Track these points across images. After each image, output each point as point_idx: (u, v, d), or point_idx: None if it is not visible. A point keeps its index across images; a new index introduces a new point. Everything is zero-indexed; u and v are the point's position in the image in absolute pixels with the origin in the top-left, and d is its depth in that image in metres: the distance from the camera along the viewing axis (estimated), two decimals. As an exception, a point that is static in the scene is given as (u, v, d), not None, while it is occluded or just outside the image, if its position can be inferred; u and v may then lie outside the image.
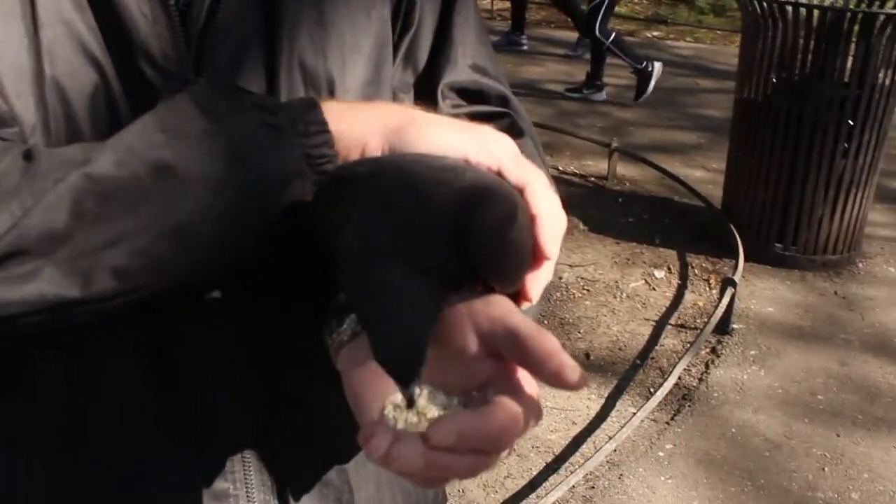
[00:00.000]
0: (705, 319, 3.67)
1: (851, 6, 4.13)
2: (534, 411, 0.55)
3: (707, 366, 3.49)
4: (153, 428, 0.71)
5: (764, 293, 4.03)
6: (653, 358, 3.53)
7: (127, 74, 0.65)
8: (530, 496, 2.75)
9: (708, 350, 3.59)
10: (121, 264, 0.58)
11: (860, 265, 4.39)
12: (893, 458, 3.00)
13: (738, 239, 4.15)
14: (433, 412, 0.55)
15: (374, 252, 0.54)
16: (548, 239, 0.62)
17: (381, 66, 0.76)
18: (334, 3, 0.73)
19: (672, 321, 3.80)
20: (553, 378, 0.54)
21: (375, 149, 0.63)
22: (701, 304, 3.95)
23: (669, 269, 4.27)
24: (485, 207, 0.55)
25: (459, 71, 0.81)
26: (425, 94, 0.79)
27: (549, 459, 2.95)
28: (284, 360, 0.74)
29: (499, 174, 0.62)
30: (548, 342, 0.55)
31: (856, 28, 3.93)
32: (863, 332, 3.78)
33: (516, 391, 0.56)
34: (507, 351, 0.57)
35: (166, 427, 0.72)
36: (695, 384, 3.38)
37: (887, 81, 4.00)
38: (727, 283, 3.61)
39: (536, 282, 0.63)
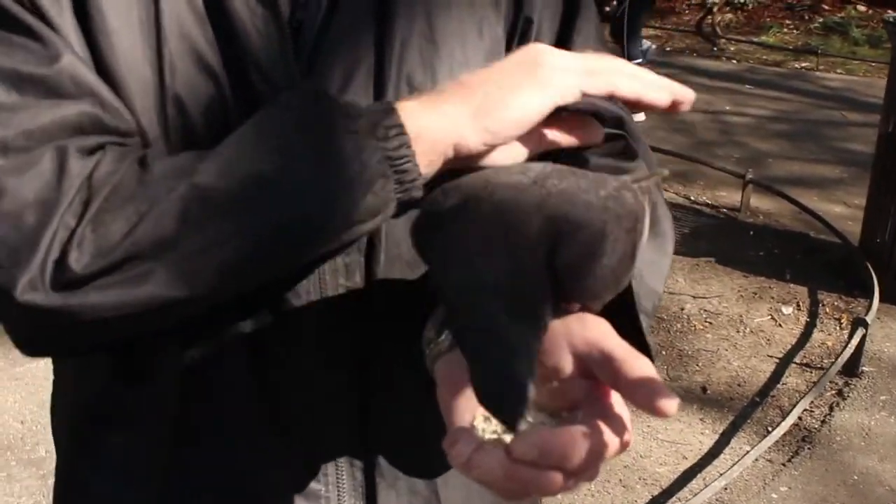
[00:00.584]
0: (833, 360, 3.50)
1: None
2: (622, 436, 0.55)
3: (831, 408, 3.33)
4: (255, 426, 0.75)
5: None
6: (773, 396, 3.40)
7: (240, 87, 0.68)
8: (633, 528, 2.68)
9: (834, 392, 3.42)
10: (222, 265, 0.61)
11: None
12: None
13: (875, 278, 3.96)
14: (521, 427, 0.55)
15: (477, 291, 0.55)
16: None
17: None
18: (445, 20, 0.74)
19: (797, 360, 3.64)
20: (645, 403, 0.55)
21: (475, 143, 0.64)
22: (830, 343, 3.77)
23: (798, 305, 4.10)
24: (571, 239, 0.57)
25: None
26: None
27: (656, 492, 2.87)
28: (381, 373, 0.77)
29: (611, 97, 0.66)
30: (642, 367, 0.56)
31: None
32: None
33: (607, 414, 0.57)
34: (601, 373, 0.58)
35: (267, 427, 0.75)
36: (817, 426, 3.22)
37: None
38: (858, 322, 3.47)
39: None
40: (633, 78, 0.65)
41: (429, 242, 0.62)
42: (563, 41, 0.80)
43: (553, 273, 0.57)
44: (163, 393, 0.74)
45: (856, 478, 2.95)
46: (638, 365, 0.57)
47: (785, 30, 10.23)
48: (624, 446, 0.55)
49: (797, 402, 3.16)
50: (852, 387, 3.45)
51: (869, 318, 3.53)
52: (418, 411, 0.72)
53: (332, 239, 0.64)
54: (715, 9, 9.94)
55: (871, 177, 4.33)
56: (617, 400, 0.58)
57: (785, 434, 3.03)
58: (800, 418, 3.17)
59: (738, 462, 2.86)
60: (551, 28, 0.81)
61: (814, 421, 3.25)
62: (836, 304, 4.07)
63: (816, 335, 3.83)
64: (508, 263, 0.55)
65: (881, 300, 3.86)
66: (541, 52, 0.65)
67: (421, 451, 0.78)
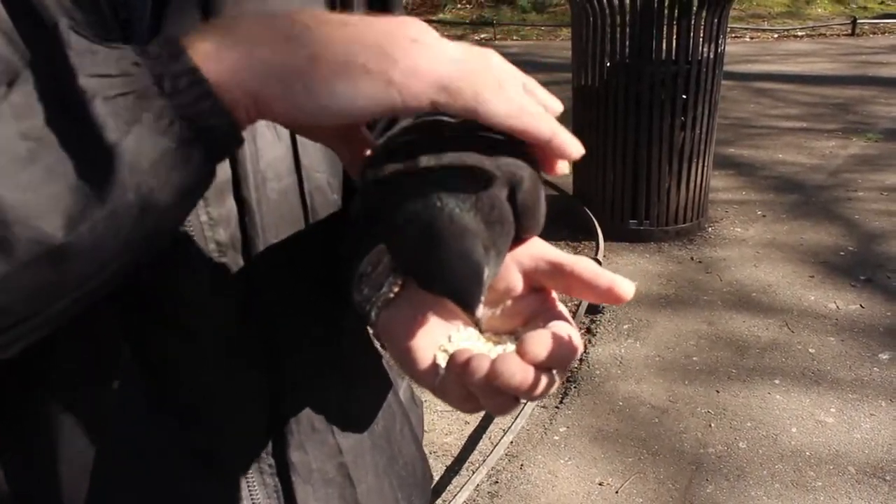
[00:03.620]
0: (576, 302, 3.74)
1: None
2: (577, 336, 0.59)
3: (585, 346, 3.54)
4: (152, 441, 0.68)
5: (626, 268, 4.15)
6: (533, 346, 3.57)
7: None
8: (436, 502, 2.74)
9: (583, 331, 3.66)
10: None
11: (709, 229, 4.60)
12: (770, 404, 3.14)
13: (595, 221, 4.28)
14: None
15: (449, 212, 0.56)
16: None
17: None
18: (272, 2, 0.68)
19: None
20: (607, 293, 0.59)
21: (280, 115, 0.52)
22: None
23: (535, 258, 4.33)
24: (525, 186, 0.60)
25: None
26: None
27: (449, 462, 2.94)
28: (291, 367, 0.74)
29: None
30: (588, 265, 0.60)
31: (676, 9, 4.12)
32: (722, 291, 3.96)
33: (562, 317, 0.61)
34: (551, 281, 0.62)
35: (167, 440, 0.69)
36: (577, 366, 3.43)
37: (711, 55, 4.19)
38: (587, 259, 3.66)
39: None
40: (514, 95, 0.56)
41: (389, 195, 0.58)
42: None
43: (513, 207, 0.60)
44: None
45: (621, 403, 3.19)
46: (584, 265, 0.60)
47: (458, 5, 10.72)
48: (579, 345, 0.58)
49: (557, 347, 3.33)
50: (598, 322, 3.73)
51: (599, 257, 3.83)
52: (326, 393, 0.71)
53: (166, 223, 0.53)
54: (391, -7, 10.18)
55: (573, 128, 4.44)
56: (561, 306, 0.62)
57: (553, 379, 3.18)
58: (562, 361, 3.35)
59: (518, 415, 2.99)
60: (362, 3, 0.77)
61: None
62: (565, 250, 4.29)
63: (556, 282, 4.06)
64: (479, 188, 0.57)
65: (604, 240, 4.20)
66: (422, 31, 0.54)
67: (330, 435, 0.77)
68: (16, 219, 0.46)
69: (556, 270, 0.61)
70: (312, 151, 0.72)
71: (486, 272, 0.56)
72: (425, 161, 0.57)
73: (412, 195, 0.56)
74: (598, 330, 3.67)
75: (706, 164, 4.42)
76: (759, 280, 4.05)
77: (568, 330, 0.58)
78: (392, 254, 0.63)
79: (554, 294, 0.64)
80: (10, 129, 0.46)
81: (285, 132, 0.70)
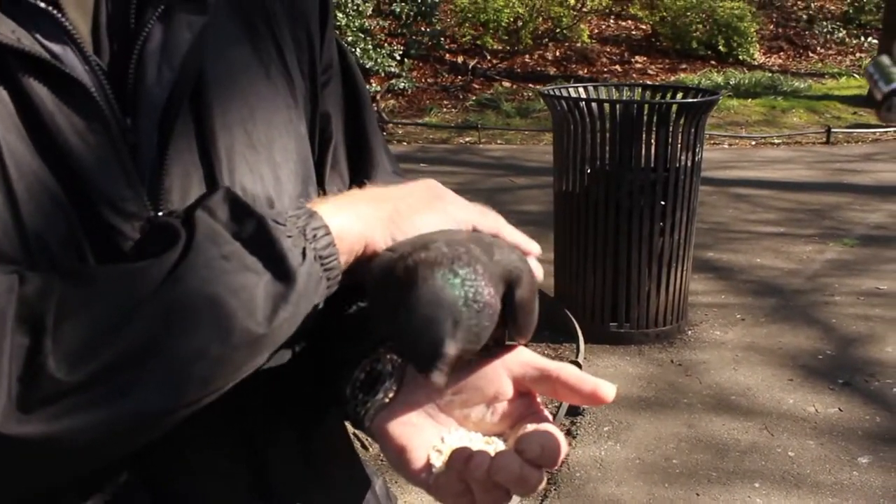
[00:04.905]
0: (557, 404, 3.69)
1: (648, 99, 4.46)
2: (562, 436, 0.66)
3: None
4: None
5: (607, 371, 4.14)
6: (515, 447, 3.54)
7: (90, 219, 0.65)
8: None
9: (564, 432, 3.64)
10: (203, 370, 0.62)
11: (689, 332, 4.61)
12: (750, 508, 3.13)
13: (576, 323, 4.29)
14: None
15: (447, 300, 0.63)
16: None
17: (308, 181, 0.80)
18: (260, 125, 0.75)
19: None
20: (591, 396, 0.67)
21: (381, 241, 0.71)
22: None
23: (517, 359, 4.30)
24: (522, 284, 0.67)
25: (382, 175, 0.88)
26: None
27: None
28: (276, 456, 0.77)
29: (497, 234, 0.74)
30: (573, 371, 0.68)
31: (654, 118, 4.21)
32: (702, 394, 3.95)
33: (547, 420, 0.68)
34: (539, 386, 0.69)
35: None
36: (557, 467, 3.41)
37: (689, 163, 4.27)
38: (571, 365, 3.67)
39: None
40: (513, 228, 0.77)
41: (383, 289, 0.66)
42: (357, 129, 0.88)
43: (507, 309, 0.66)
44: None
45: (602, 506, 3.18)
46: (569, 371, 0.68)
47: (444, 110, 10.97)
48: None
49: (538, 449, 3.31)
50: (578, 424, 3.70)
51: (580, 360, 3.83)
52: (307, 496, 0.77)
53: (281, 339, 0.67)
54: (378, 97, 10.45)
55: (555, 232, 4.62)
56: (544, 409, 0.70)
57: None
58: (543, 463, 3.33)
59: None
60: (338, 117, 0.86)
61: (555, 463, 3.44)
62: (545, 352, 4.25)
63: (538, 384, 4.04)
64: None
65: (585, 342, 4.21)
66: (440, 187, 0.76)
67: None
68: (233, 313, 0.61)
69: (543, 376, 0.69)
70: None
71: (449, 346, 0.61)
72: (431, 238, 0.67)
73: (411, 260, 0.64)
74: (579, 432, 3.67)
75: (685, 268, 4.47)
76: (739, 383, 4.06)
77: (555, 431, 0.65)
78: (371, 309, 0.71)
79: (538, 398, 0.71)
80: (213, 251, 0.63)
81: None
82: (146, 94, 0.69)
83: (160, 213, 0.68)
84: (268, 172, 0.75)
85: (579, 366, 3.62)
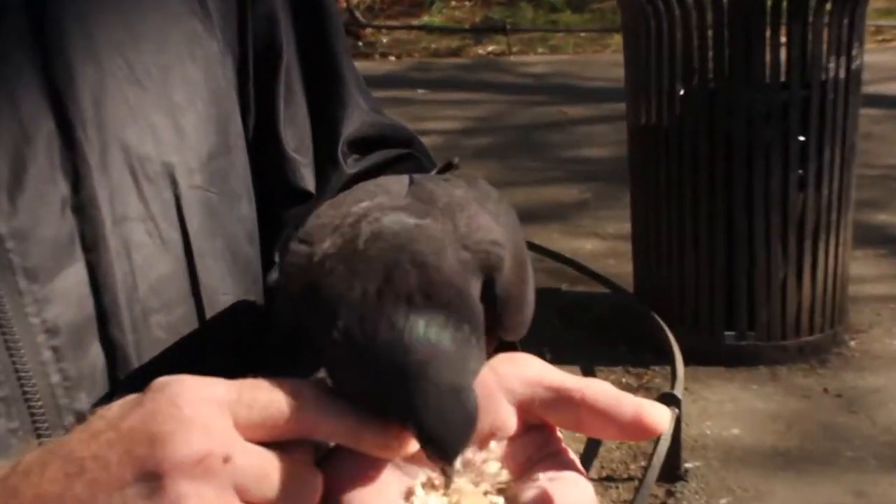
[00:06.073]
0: (642, 465, 2.99)
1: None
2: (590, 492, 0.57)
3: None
4: None
5: (723, 407, 3.36)
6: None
7: None
8: None
9: (657, 508, 2.83)
10: None
11: (851, 344, 3.73)
12: None
13: (670, 335, 3.37)
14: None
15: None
16: None
17: (227, 128, 0.69)
18: (147, 48, 0.63)
19: (592, 476, 3.02)
20: (635, 426, 0.54)
21: None
22: (629, 444, 3.19)
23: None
24: (504, 270, 0.60)
25: (356, 117, 0.78)
26: (323, 159, 0.75)
27: None
28: None
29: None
30: (608, 388, 0.56)
31: (783, 6, 3.29)
32: (877, 441, 3.10)
33: (572, 466, 0.56)
34: (556, 414, 0.57)
35: None
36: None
37: (842, 73, 3.37)
38: (665, 401, 2.84)
39: None
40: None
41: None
42: (324, 54, 0.76)
43: (490, 303, 0.59)
44: None
45: None
46: (599, 388, 0.55)
47: (454, 3, 9.18)
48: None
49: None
50: (680, 495, 2.96)
51: (677, 392, 2.93)
52: None
53: None
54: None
55: (631, 194, 3.85)
56: (573, 454, 0.58)
57: None
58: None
59: None
60: (292, 28, 0.72)
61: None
62: (622, 381, 3.52)
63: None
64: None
65: (686, 363, 3.27)
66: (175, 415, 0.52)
67: None
68: None
69: (561, 399, 0.56)
70: (213, 264, 0.67)
71: (470, 427, 0.54)
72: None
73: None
74: (681, 506, 2.86)
75: (841, 241, 3.61)
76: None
77: (581, 487, 0.54)
78: (338, 381, 0.58)
79: (559, 432, 0.59)
80: None
81: (175, 236, 0.65)
82: None
83: None
84: (162, 120, 0.64)
85: (677, 401, 2.86)
